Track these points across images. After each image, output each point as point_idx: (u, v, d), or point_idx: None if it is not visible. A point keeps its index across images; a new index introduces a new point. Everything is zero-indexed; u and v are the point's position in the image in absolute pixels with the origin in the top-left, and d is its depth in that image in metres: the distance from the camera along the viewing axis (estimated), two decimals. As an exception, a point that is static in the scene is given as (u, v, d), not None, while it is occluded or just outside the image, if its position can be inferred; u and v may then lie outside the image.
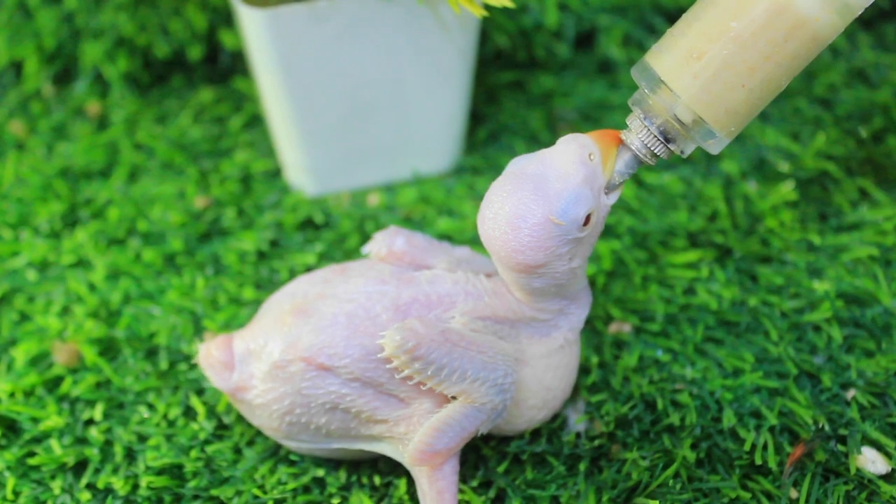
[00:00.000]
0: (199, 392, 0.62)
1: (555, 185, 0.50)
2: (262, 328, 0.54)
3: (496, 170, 0.79)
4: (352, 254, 0.71)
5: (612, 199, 0.52)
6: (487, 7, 0.64)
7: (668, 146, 0.51)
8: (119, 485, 0.57)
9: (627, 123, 0.52)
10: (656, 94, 0.50)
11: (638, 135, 0.51)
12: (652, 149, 0.51)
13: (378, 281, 0.54)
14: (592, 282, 0.68)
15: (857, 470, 0.56)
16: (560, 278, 0.52)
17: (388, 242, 0.57)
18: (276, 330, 0.53)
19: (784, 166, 0.77)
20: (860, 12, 0.49)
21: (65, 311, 0.69)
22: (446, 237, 0.72)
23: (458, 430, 0.51)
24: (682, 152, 0.52)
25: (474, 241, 0.71)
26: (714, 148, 0.51)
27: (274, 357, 0.53)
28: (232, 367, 0.55)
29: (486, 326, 0.53)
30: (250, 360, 0.54)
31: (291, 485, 0.57)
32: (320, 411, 0.53)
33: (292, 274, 0.70)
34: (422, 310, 0.53)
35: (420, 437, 0.51)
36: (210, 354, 0.55)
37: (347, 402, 0.52)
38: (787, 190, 0.73)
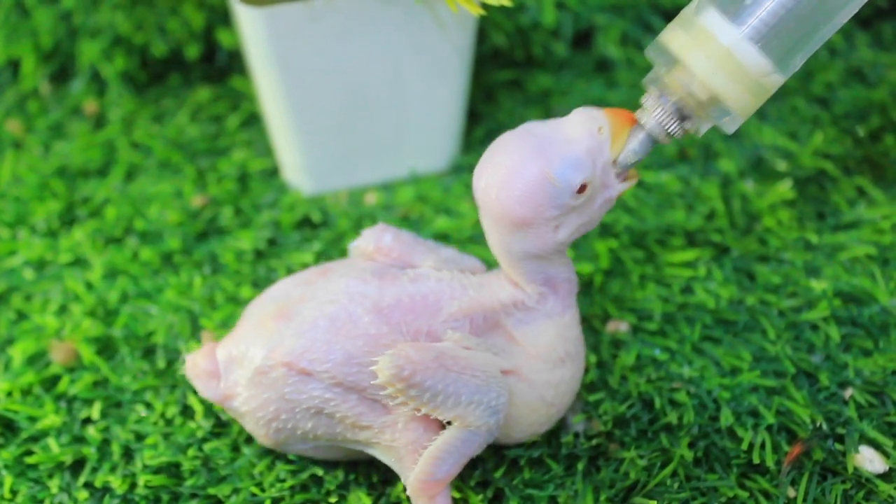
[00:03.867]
0: (197, 391, 0.62)
1: (558, 147, 0.50)
2: (243, 334, 0.54)
3: (494, 169, 0.79)
4: (349, 253, 0.71)
5: (623, 186, 0.52)
6: (485, 6, 0.64)
7: (683, 125, 0.51)
8: (117, 483, 0.57)
9: (641, 103, 0.52)
10: (672, 72, 0.50)
11: (652, 113, 0.51)
12: (666, 128, 0.51)
13: (360, 281, 0.53)
14: (590, 281, 0.68)
15: (855, 469, 0.56)
16: (541, 247, 0.52)
17: (375, 238, 0.57)
18: (257, 335, 0.53)
19: (782, 165, 0.77)
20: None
21: (62, 310, 0.69)
22: (444, 236, 0.72)
23: (456, 457, 0.51)
24: (696, 131, 0.51)
25: (472, 240, 0.71)
26: (730, 126, 0.51)
27: (256, 363, 0.52)
28: (218, 376, 0.54)
29: (479, 344, 0.53)
30: (234, 367, 0.54)
31: (289, 483, 0.57)
32: (305, 416, 0.52)
33: (290, 273, 0.70)
34: (405, 313, 0.52)
35: (420, 468, 0.51)
36: (196, 365, 0.55)
37: (331, 407, 0.52)
38: (784, 189, 0.73)
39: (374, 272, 0.54)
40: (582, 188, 0.50)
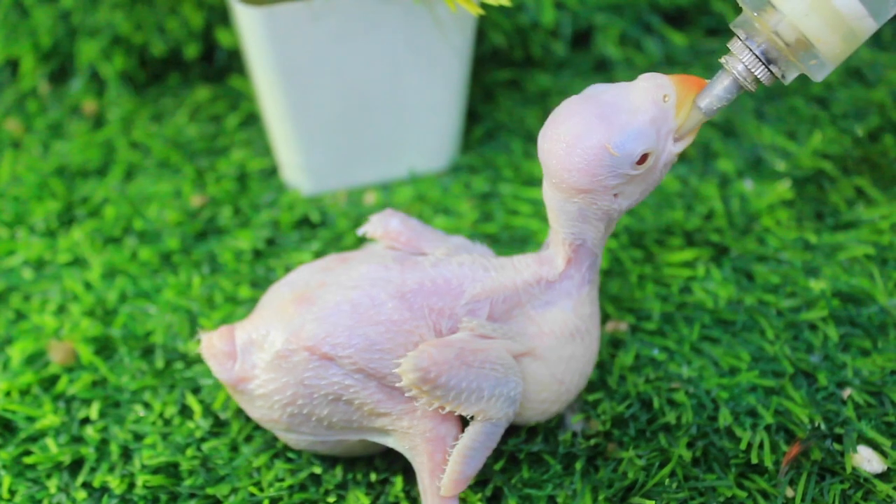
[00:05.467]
0: (196, 390, 0.62)
1: (621, 117, 0.50)
2: (264, 318, 0.54)
3: (493, 168, 0.79)
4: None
5: (681, 146, 0.52)
6: (484, 5, 0.64)
7: (770, 68, 0.50)
8: (115, 484, 0.57)
9: (729, 48, 0.51)
10: (761, 14, 0.50)
11: (740, 56, 0.51)
12: (753, 71, 0.50)
13: (381, 267, 0.54)
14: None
15: (853, 469, 0.56)
16: (595, 212, 0.52)
17: (383, 223, 0.57)
18: (278, 319, 0.53)
19: (780, 165, 0.77)
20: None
21: (61, 310, 0.69)
22: (443, 236, 0.72)
23: (483, 452, 0.52)
24: (783, 76, 0.51)
25: (472, 240, 0.71)
26: (817, 73, 0.51)
27: (277, 346, 0.52)
28: (234, 357, 0.54)
29: (495, 330, 0.53)
30: (253, 350, 0.53)
31: (288, 482, 0.57)
32: (323, 402, 0.52)
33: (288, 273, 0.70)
34: (428, 297, 0.53)
35: (452, 468, 0.52)
36: (212, 345, 0.54)
37: (350, 394, 0.52)
38: (783, 189, 0.74)
39: (396, 258, 0.55)
40: (643, 159, 0.50)
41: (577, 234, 0.53)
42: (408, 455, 0.54)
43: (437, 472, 0.52)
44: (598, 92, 0.51)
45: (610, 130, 0.49)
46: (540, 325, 0.54)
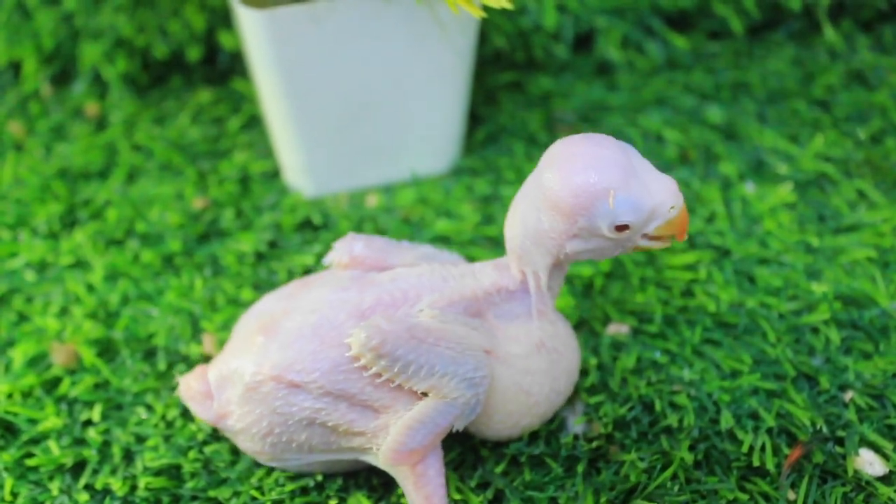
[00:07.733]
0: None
1: (637, 182, 0.49)
2: (232, 352, 0.54)
3: (494, 171, 0.79)
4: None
5: (646, 242, 0.51)
6: (486, 8, 0.64)
7: None
8: (117, 486, 0.57)
9: None
10: None
11: None
12: None
13: (339, 288, 0.54)
14: (590, 283, 0.68)
15: (855, 472, 0.56)
16: (547, 239, 0.51)
17: (347, 249, 0.57)
18: (245, 352, 0.53)
19: (782, 168, 0.77)
20: None
21: (63, 312, 0.69)
22: (444, 238, 0.72)
23: (430, 427, 0.51)
24: None
25: (473, 242, 0.71)
26: None
27: (245, 379, 0.53)
28: (212, 396, 0.54)
29: (457, 318, 0.53)
30: (225, 385, 0.54)
31: (289, 487, 0.57)
32: (299, 428, 0.53)
33: (290, 275, 0.70)
34: (387, 310, 0.53)
35: (393, 437, 0.51)
36: (190, 387, 0.55)
37: (323, 417, 0.52)
38: (785, 191, 0.74)
39: (353, 278, 0.55)
40: (621, 228, 0.49)
41: (525, 251, 0.53)
42: (391, 472, 0.53)
43: (419, 485, 0.52)
44: (633, 150, 0.51)
45: (625, 183, 0.49)
46: (504, 332, 0.54)
